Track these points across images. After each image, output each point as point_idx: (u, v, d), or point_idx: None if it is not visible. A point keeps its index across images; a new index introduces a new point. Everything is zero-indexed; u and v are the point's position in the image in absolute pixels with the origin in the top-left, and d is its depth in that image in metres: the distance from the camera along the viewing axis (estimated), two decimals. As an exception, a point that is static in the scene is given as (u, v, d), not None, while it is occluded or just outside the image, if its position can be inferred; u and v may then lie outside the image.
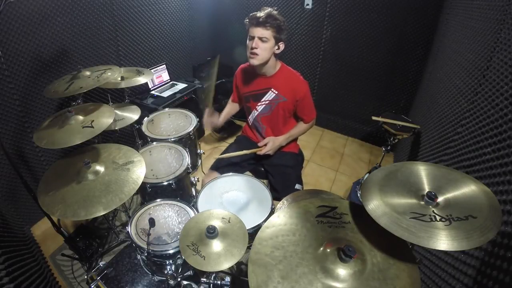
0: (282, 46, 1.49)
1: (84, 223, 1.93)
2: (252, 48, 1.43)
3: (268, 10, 1.43)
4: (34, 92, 1.80)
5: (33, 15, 1.69)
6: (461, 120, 1.38)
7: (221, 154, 1.78)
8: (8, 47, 1.62)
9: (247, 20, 1.45)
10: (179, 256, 1.15)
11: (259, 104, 1.65)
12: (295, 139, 1.78)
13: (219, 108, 1.90)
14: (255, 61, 1.47)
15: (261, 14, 1.42)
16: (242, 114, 1.88)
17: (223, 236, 0.99)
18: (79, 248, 1.69)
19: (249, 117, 1.76)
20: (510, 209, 0.87)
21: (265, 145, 1.60)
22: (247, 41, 1.47)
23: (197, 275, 1.20)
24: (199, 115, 1.93)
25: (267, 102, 1.63)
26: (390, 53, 2.56)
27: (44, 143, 1.20)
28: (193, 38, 3.12)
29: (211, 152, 2.85)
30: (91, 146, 1.34)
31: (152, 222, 1.12)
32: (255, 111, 1.69)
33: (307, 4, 2.72)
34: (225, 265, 0.91)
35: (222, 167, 1.66)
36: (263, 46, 1.43)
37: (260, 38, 1.42)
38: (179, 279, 1.13)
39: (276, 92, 1.58)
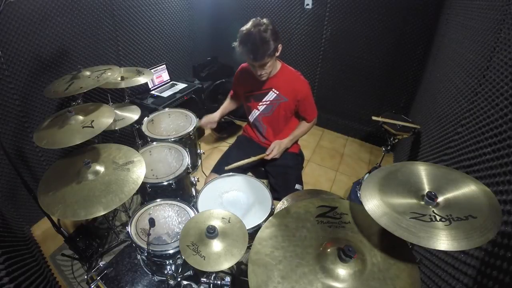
0: (280, 47, 1.46)
1: (84, 223, 1.93)
2: (258, 75, 1.48)
3: (252, 42, 1.34)
4: (34, 92, 1.80)
5: (33, 15, 1.69)
6: (461, 120, 1.38)
7: (224, 154, 1.80)
8: (8, 47, 1.61)
9: (240, 51, 1.41)
10: (179, 256, 1.15)
11: (260, 104, 1.65)
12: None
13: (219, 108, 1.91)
14: (264, 78, 1.53)
15: (249, 50, 1.36)
16: (242, 114, 1.88)
17: (223, 236, 0.99)
18: (79, 248, 1.69)
19: (250, 117, 1.76)
20: (510, 209, 0.87)
21: (272, 150, 1.61)
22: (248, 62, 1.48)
23: (197, 275, 1.20)
24: (199, 115, 1.93)
25: (268, 102, 1.63)
26: (390, 53, 2.55)
27: (44, 143, 1.20)
28: (193, 38, 3.12)
29: (211, 152, 2.85)
30: (91, 146, 1.34)
31: (152, 222, 1.12)
32: (256, 110, 1.69)
33: (307, 4, 2.72)
34: (225, 265, 0.91)
35: (223, 169, 1.65)
36: (267, 67, 1.46)
37: (261, 65, 1.44)
38: (179, 279, 1.13)
39: (277, 93, 1.58)
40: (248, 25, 1.40)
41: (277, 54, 1.46)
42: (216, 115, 1.82)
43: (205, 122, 1.82)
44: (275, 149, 1.61)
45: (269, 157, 1.61)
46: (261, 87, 1.61)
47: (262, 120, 1.70)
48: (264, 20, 1.41)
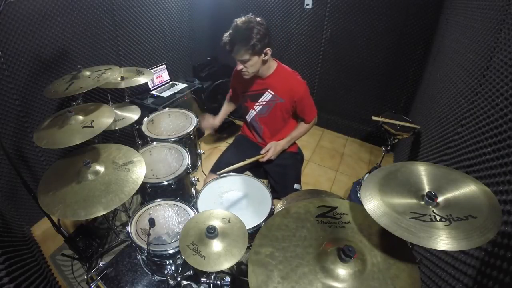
0: (269, 51, 1.44)
1: (84, 223, 1.93)
2: (239, 69, 1.46)
3: (232, 33, 1.39)
4: (34, 92, 1.80)
5: (33, 15, 1.69)
6: (461, 120, 1.38)
7: (222, 154, 1.80)
8: (8, 47, 1.61)
9: (222, 40, 1.45)
10: (179, 256, 1.15)
11: (256, 104, 1.65)
12: None
13: (219, 108, 1.91)
14: (247, 77, 1.50)
15: (226, 40, 1.40)
16: (242, 114, 1.88)
17: (223, 236, 0.99)
18: (79, 248, 1.69)
19: (247, 117, 1.76)
20: (510, 209, 0.87)
21: (267, 151, 1.61)
22: None
23: (197, 275, 1.20)
24: (199, 115, 1.93)
25: (264, 103, 1.62)
26: (390, 53, 2.55)
27: (44, 143, 1.20)
28: (193, 38, 3.12)
29: (211, 152, 2.85)
30: (91, 146, 1.34)
31: (152, 222, 1.12)
32: (253, 110, 1.68)
33: (307, 4, 2.72)
34: (225, 265, 0.91)
35: (222, 169, 1.65)
36: (248, 65, 1.44)
37: (241, 61, 1.42)
38: (179, 279, 1.13)
39: (273, 93, 1.58)
40: (240, 18, 1.42)
41: (265, 57, 1.44)
42: (217, 121, 1.82)
43: (205, 126, 1.83)
44: (270, 150, 1.60)
45: (264, 159, 1.60)
46: (256, 87, 1.61)
47: (259, 121, 1.70)
48: (258, 19, 1.40)
